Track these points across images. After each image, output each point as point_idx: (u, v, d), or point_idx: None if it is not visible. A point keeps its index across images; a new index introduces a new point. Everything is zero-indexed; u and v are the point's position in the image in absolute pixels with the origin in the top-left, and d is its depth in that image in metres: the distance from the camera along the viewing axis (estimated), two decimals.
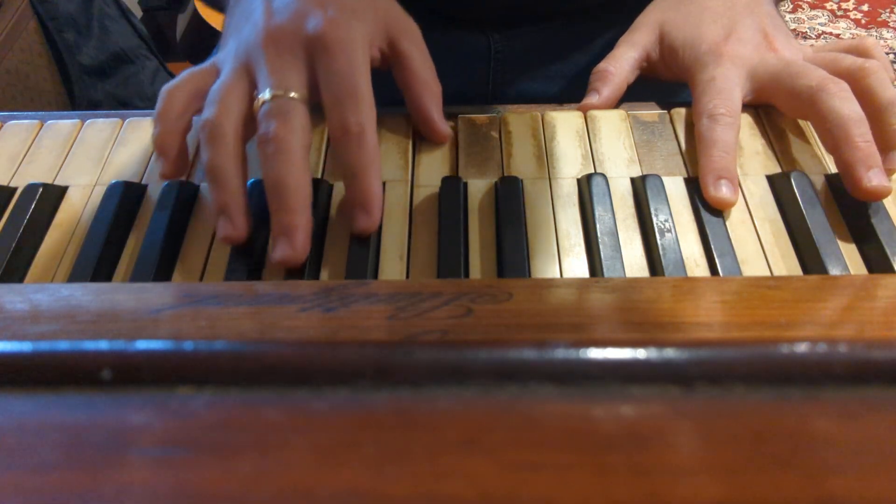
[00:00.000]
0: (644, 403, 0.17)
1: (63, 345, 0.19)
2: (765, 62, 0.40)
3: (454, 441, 0.15)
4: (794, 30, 1.92)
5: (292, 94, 0.33)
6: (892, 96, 0.36)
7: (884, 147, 0.36)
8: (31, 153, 0.41)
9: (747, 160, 0.39)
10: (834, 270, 0.32)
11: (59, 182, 0.39)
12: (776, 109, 0.41)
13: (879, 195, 0.34)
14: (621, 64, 0.43)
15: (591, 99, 0.42)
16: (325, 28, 0.34)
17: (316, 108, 0.36)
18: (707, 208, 0.35)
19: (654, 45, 0.44)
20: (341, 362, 0.18)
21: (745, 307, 0.23)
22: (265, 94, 0.33)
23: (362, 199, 0.34)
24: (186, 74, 0.38)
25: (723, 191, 0.35)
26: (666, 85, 0.47)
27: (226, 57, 0.37)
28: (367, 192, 0.34)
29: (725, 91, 0.39)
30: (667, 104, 0.43)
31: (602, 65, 0.44)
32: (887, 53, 1.80)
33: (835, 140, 0.35)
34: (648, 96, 0.44)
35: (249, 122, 0.35)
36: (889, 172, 0.36)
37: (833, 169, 0.38)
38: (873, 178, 0.34)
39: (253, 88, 0.35)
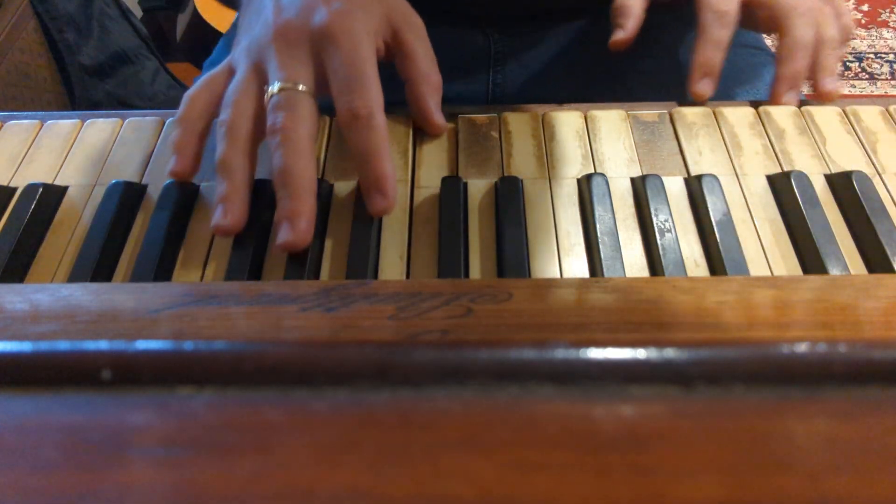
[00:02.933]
0: (644, 403, 0.17)
1: (63, 345, 0.19)
2: None
3: (454, 441, 0.15)
4: None
5: (300, 87, 0.35)
6: (833, 35, 0.43)
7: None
8: (31, 153, 0.41)
9: (747, 160, 0.39)
10: (834, 270, 0.32)
11: (59, 182, 0.39)
12: (776, 109, 0.41)
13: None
14: None
15: (619, 35, 0.44)
16: (330, 20, 0.35)
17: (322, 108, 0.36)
18: (712, 208, 0.35)
19: None
20: (341, 362, 0.18)
21: (745, 307, 0.23)
22: (274, 87, 0.35)
23: (377, 181, 0.34)
24: (206, 78, 0.39)
25: (702, 86, 0.42)
26: (666, 85, 0.47)
27: (239, 56, 0.38)
28: (381, 175, 0.34)
29: None
30: (667, 104, 0.43)
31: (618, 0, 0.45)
32: (887, 53, 1.80)
33: (780, 55, 0.42)
34: (648, 96, 0.44)
35: (263, 121, 0.35)
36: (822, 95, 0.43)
37: (833, 169, 0.38)
38: (787, 97, 0.42)
39: (264, 84, 0.36)
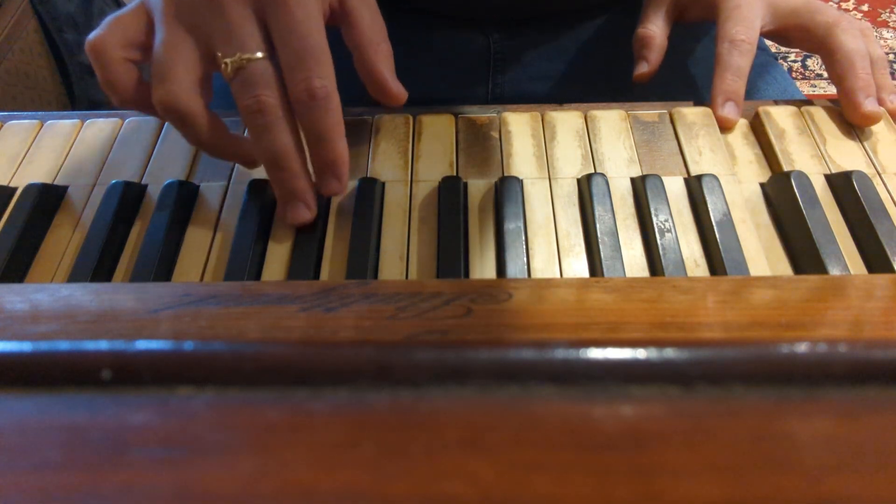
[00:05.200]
0: (644, 403, 0.17)
1: (63, 345, 0.19)
2: None
3: (454, 441, 0.15)
4: None
5: (258, 55, 0.32)
6: (882, 54, 0.43)
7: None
8: (31, 153, 0.41)
9: (742, 168, 0.39)
10: (834, 270, 0.32)
11: (59, 182, 0.39)
12: (776, 109, 0.41)
13: (873, 120, 0.40)
14: (658, 22, 0.45)
15: (643, 69, 0.45)
16: None
17: None
18: (712, 208, 0.35)
19: None
20: (341, 362, 0.18)
21: (745, 307, 0.23)
22: (234, 58, 0.32)
23: (332, 164, 0.34)
24: (111, 23, 0.35)
25: (727, 110, 0.41)
26: (666, 85, 0.47)
27: (156, 4, 0.34)
28: (336, 157, 0.34)
29: (748, 20, 0.42)
30: (667, 104, 0.43)
31: (641, 30, 0.46)
32: (887, 53, 1.80)
33: (841, 69, 0.41)
34: (648, 96, 0.44)
35: (206, 82, 0.34)
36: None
37: (833, 169, 0.38)
38: (869, 104, 0.40)
39: (204, 46, 0.33)
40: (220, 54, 0.33)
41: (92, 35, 0.34)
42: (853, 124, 0.41)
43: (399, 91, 0.37)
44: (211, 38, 0.33)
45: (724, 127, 0.41)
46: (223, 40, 0.33)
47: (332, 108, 0.33)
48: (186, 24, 0.33)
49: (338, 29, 0.36)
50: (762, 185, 0.38)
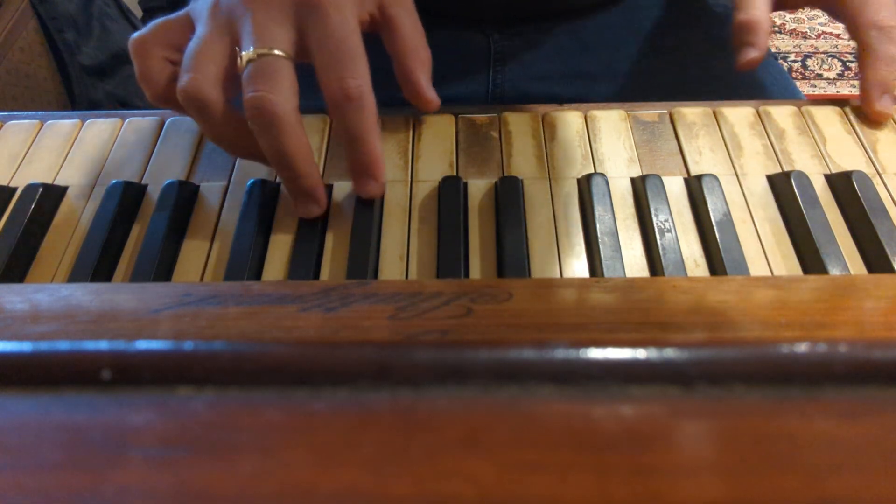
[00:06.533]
0: (644, 403, 0.17)
1: (63, 345, 0.19)
2: None
3: (454, 441, 0.15)
4: (794, 30, 1.92)
5: (276, 52, 0.32)
6: None
7: None
8: (31, 153, 0.41)
9: (747, 160, 0.39)
10: (834, 270, 0.32)
11: (59, 182, 0.39)
12: (776, 109, 0.41)
13: (883, 118, 0.40)
14: (760, 6, 0.42)
15: (753, 55, 0.42)
16: None
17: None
18: (712, 208, 0.35)
19: None
20: (341, 362, 0.18)
21: (745, 307, 0.23)
22: (249, 52, 0.32)
23: (368, 164, 0.34)
24: (156, 25, 0.36)
25: (884, 103, 0.39)
26: (666, 85, 0.47)
27: (202, 10, 0.35)
28: (372, 158, 0.34)
29: (890, 3, 0.39)
30: (667, 104, 0.43)
31: (743, 16, 0.42)
32: None
33: (866, 58, 0.39)
34: (649, 96, 0.44)
35: (231, 80, 0.34)
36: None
37: (833, 169, 0.38)
38: (882, 103, 0.39)
39: (234, 45, 0.33)
40: (238, 49, 0.33)
41: (136, 34, 0.36)
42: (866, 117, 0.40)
43: (433, 98, 0.38)
44: (241, 35, 0.33)
45: (879, 122, 0.39)
46: (248, 37, 0.33)
47: (366, 107, 0.33)
48: (222, 24, 0.34)
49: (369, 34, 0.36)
50: (769, 178, 0.38)
